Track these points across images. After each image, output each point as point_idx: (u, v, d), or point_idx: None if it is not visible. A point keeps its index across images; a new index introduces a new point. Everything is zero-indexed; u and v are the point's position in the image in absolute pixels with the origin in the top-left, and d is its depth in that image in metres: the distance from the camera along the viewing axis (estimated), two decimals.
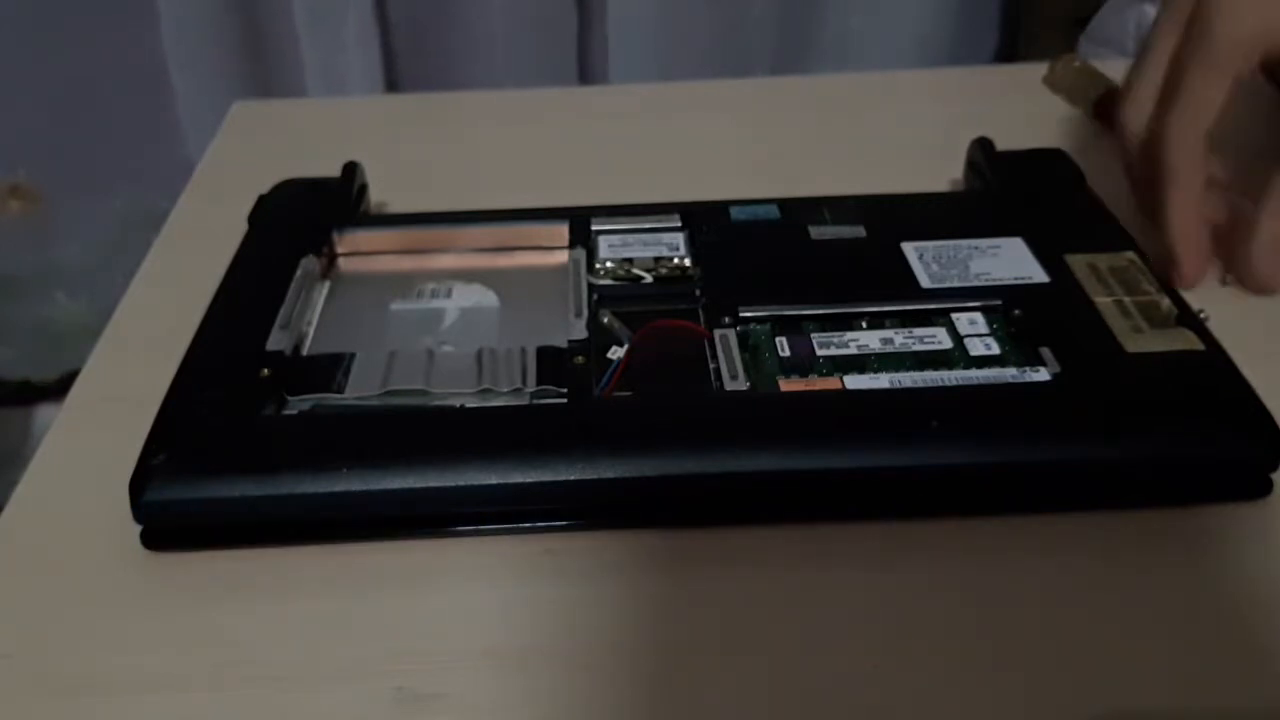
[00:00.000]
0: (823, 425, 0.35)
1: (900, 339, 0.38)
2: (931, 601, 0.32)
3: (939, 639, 0.31)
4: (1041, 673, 0.31)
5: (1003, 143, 0.49)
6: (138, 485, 0.33)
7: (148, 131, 0.87)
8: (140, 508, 0.33)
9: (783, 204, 0.46)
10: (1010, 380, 0.36)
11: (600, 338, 0.39)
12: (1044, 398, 0.36)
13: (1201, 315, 0.39)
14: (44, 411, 1.01)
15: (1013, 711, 0.30)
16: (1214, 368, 0.36)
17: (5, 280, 0.93)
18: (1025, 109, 0.61)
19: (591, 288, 0.41)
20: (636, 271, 0.42)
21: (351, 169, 0.49)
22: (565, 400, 0.36)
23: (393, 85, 0.87)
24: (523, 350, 0.38)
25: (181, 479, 0.33)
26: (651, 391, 0.36)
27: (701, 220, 0.45)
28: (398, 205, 0.51)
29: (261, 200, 0.47)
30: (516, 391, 0.37)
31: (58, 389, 0.97)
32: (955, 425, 0.35)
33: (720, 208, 0.46)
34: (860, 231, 0.44)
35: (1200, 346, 0.37)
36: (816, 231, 0.44)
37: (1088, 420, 0.35)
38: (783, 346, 0.38)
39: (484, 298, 0.43)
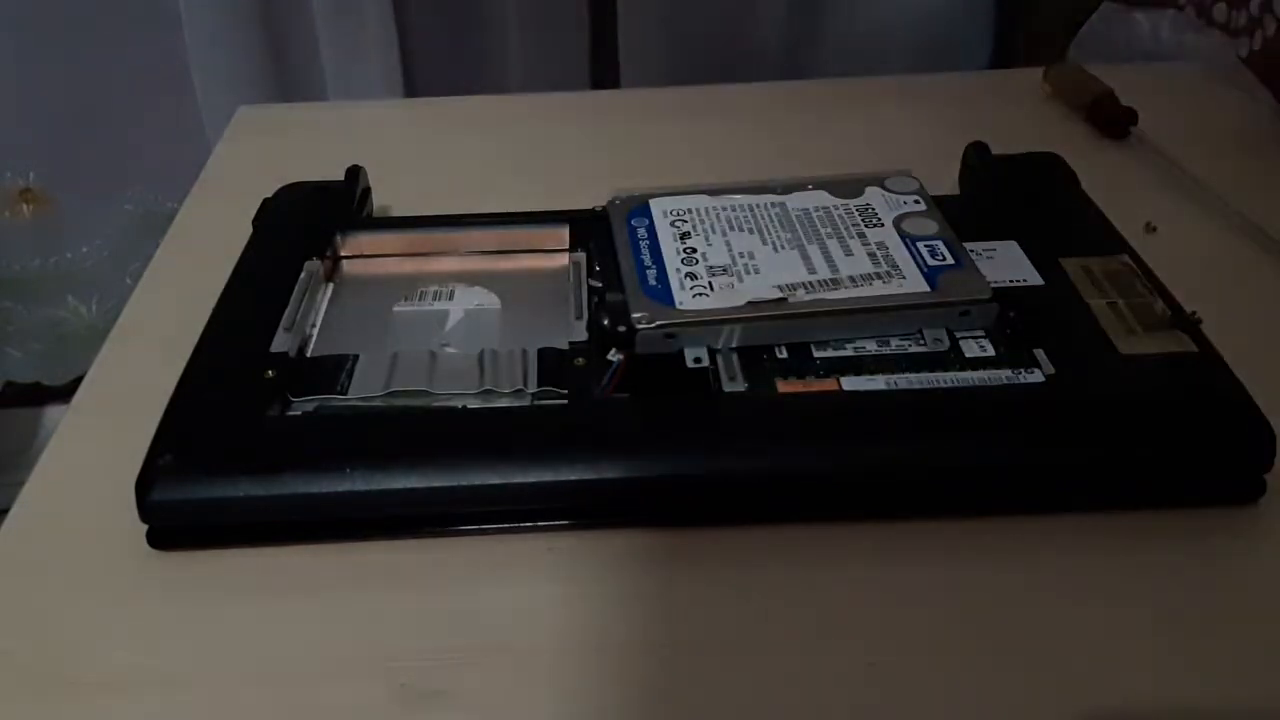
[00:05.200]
0: (820, 426, 0.35)
1: (896, 341, 0.39)
2: (929, 601, 0.33)
3: (936, 638, 0.32)
4: (1038, 672, 0.31)
5: (998, 146, 0.50)
6: (144, 485, 0.34)
7: (168, 135, 0.87)
8: (146, 507, 0.34)
9: None
10: (1005, 382, 0.37)
11: (600, 339, 0.39)
12: (1038, 400, 0.36)
13: (1194, 317, 0.39)
14: (54, 413, 1.02)
15: (1010, 710, 0.30)
16: (1207, 369, 0.37)
17: (17, 284, 0.93)
18: (1021, 113, 0.61)
19: (592, 290, 0.41)
20: None
21: (355, 172, 0.49)
22: (566, 401, 0.37)
23: (411, 90, 0.88)
24: (524, 352, 0.39)
25: (187, 479, 0.34)
26: (651, 393, 0.37)
27: None
28: (401, 209, 0.52)
29: (265, 204, 0.48)
30: (518, 393, 0.37)
31: (68, 391, 0.98)
32: (951, 427, 0.35)
33: None
34: None
35: (1193, 348, 0.37)
36: None
37: (1082, 422, 0.35)
38: (781, 349, 0.38)
39: (486, 300, 0.43)
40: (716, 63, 0.90)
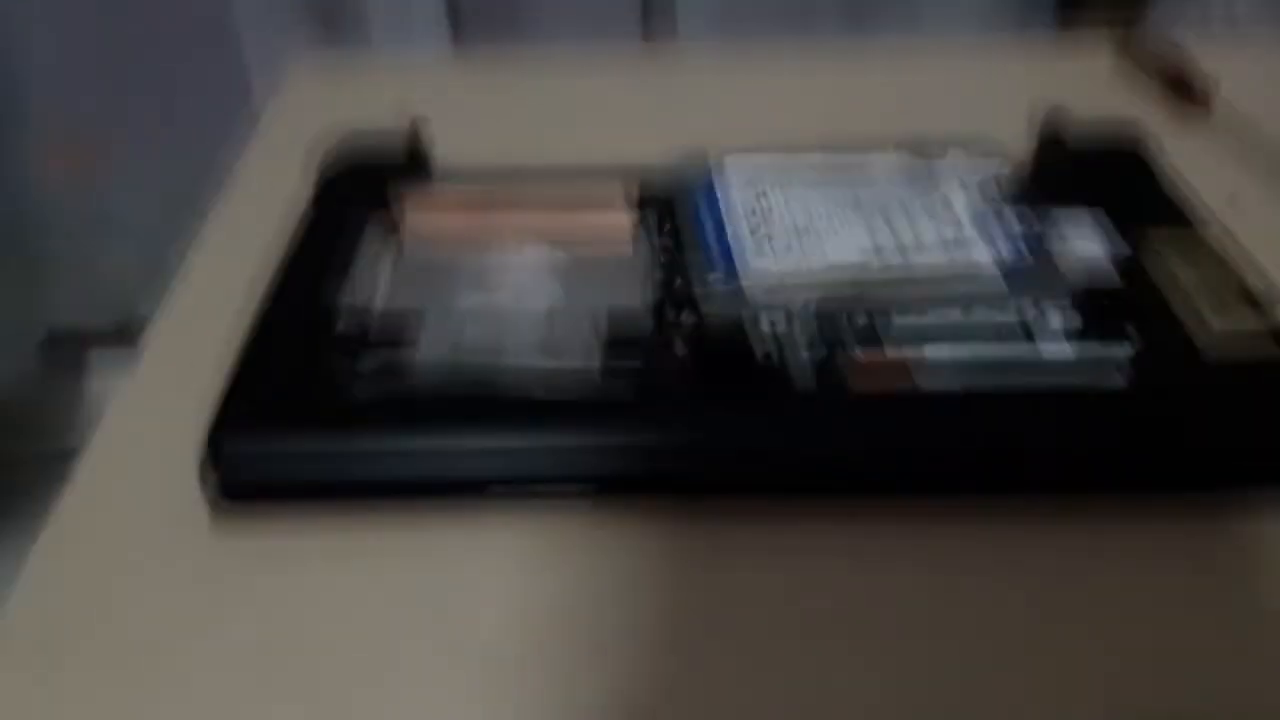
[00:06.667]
0: (892, 411, 0.34)
1: (976, 310, 0.37)
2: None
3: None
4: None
5: (1071, 114, 0.48)
6: (213, 439, 0.33)
7: (212, 84, 0.87)
8: (214, 461, 0.33)
9: None
10: (1087, 357, 0.36)
11: (670, 301, 0.38)
12: (1121, 375, 0.35)
13: None
14: (94, 357, 1.03)
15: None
16: None
17: (57, 228, 0.94)
18: (1094, 80, 0.60)
19: (661, 250, 0.41)
20: None
21: (416, 126, 0.49)
22: (635, 363, 0.36)
23: (458, 39, 0.87)
24: (592, 311, 0.38)
25: (256, 434, 0.34)
26: (719, 358, 0.36)
27: None
28: (463, 162, 0.51)
29: (325, 156, 0.47)
30: (585, 353, 0.37)
31: (108, 336, 0.99)
32: (1031, 412, 0.34)
33: None
34: None
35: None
36: None
37: (1170, 401, 0.35)
38: (855, 316, 0.37)
39: (553, 257, 0.42)
40: (778, 14, 0.88)
